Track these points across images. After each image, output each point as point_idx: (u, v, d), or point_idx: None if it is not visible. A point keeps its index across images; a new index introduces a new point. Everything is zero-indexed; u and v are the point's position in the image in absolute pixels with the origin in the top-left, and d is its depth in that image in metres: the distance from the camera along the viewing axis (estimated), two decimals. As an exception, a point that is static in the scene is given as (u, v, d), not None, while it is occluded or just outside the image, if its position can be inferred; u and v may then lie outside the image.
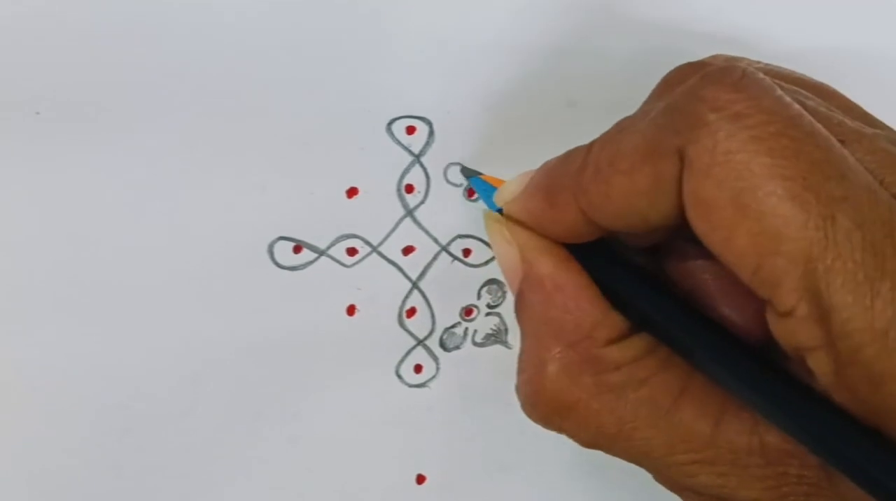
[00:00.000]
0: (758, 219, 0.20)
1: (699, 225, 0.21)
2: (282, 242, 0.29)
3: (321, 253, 0.29)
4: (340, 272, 0.30)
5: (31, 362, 0.28)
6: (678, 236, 0.24)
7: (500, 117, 0.30)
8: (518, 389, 0.25)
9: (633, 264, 0.25)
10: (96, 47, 0.27)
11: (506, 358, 0.31)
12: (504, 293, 0.31)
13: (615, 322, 0.24)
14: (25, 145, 0.27)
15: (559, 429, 0.24)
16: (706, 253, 0.22)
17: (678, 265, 0.25)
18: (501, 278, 0.31)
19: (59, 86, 0.27)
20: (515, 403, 0.30)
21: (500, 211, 0.26)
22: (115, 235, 0.28)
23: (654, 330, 0.24)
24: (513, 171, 0.30)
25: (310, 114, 0.29)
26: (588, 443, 0.24)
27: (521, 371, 0.25)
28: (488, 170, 0.30)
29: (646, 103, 0.25)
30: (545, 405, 0.24)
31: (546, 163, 0.25)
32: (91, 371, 0.28)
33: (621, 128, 0.23)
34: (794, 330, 0.20)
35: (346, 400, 0.30)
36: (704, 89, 0.21)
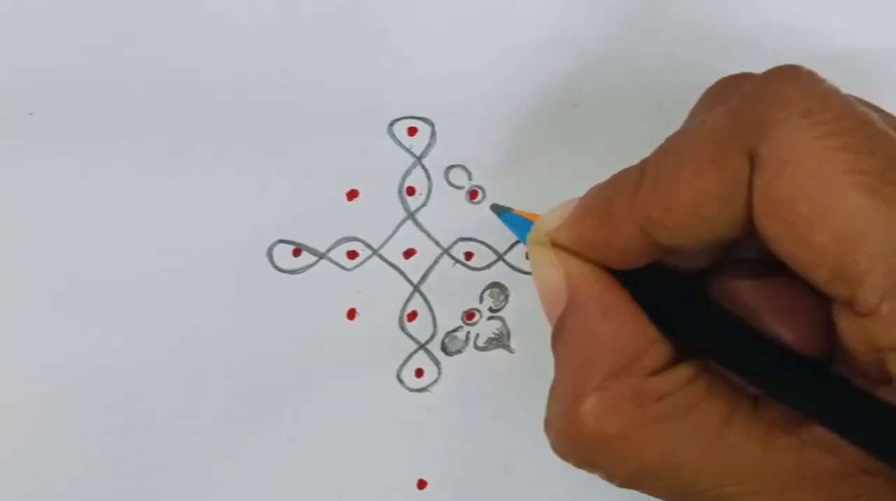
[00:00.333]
0: (837, 216, 0.19)
1: (771, 226, 0.20)
2: (281, 245, 0.29)
3: (321, 256, 0.29)
4: (341, 275, 0.29)
5: (31, 362, 0.28)
6: (724, 259, 0.24)
7: (503, 118, 0.30)
8: (548, 423, 0.23)
9: (683, 289, 0.24)
10: (94, 47, 0.27)
11: (508, 363, 0.31)
12: (506, 297, 0.31)
13: (662, 349, 0.23)
14: (21, 146, 0.27)
15: (595, 466, 0.23)
16: (746, 276, 0.22)
17: (717, 290, 0.24)
18: (503, 281, 0.30)
19: (55, 87, 0.27)
20: (517, 408, 0.30)
21: None
22: (115, 236, 0.28)
23: (710, 355, 0.23)
24: (515, 173, 0.30)
25: (310, 114, 0.28)
26: (627, 480, 0.23)
27: (553, 403, 0.23)
28: (491, 172, 0.30)
29: (693, 116, 0.24)
30: (582, 440, 0.22)
31: (592, 188, 0.24)
32: (91, 371, 0.28)
33: (678, 139, 0.22)
34: (874, 330, 0.20)
35: (346, 405, 0.30)
36: (772, 87, 0.20)
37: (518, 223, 0.26)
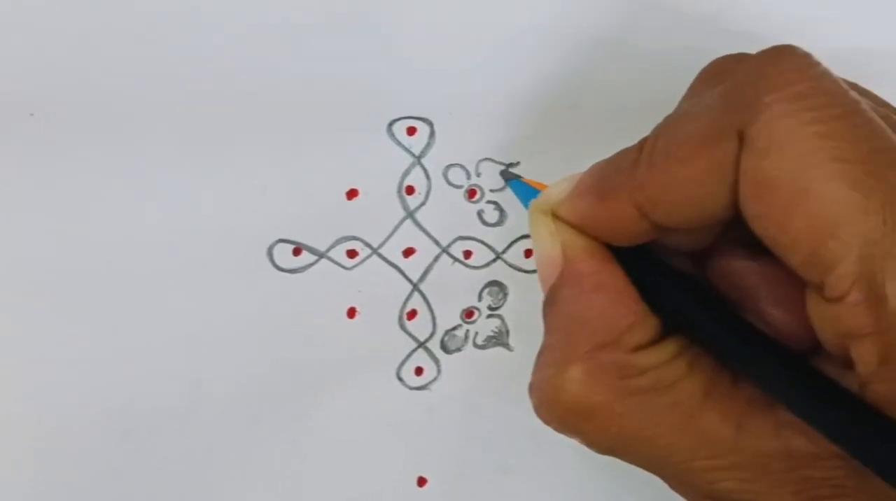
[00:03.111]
0: (816, 202, 0.20)
1: (753, 207, 0.21)
2: (281, 244, 0.29)
3: (321, 255, 0.29)
4: (341, 274, 0.29)
5: (32, 364, 0.28)
6: (721, 240, 0.24)
7: (502, 118, 0.30)
8: (533, 388, 0.24)
9: (675, 268, 0.24)
10: (94, 47, 0.27)
11: (507, 361, 0.31)
12: (505, 295, 0.31)
13: (649, 326, 0.23)
14: (22, 147, 0.27)
15: (575, 432, 0.24)
16: (749, 257, 0.22)
17: (720, 269, 0.24)
18: (502, 280, 0.31)
19: (55, 87, 0.27)
20: (517, 405, 0.30)
21: None
22: (115, 237, 0.28)
23: (693, 334, 0.23)
24: (514, 172, 0.30)
25: (310, 114, 0.28)
26: (605, 448, 0.23)
27: (539, 369, 0.24)
28: (490, 170, 0.30)
29: (689, 97, 0.24)
30: (564, 406, 0.23)
31: (595, 165, 0.24)
32: (91, 373, 0.28)
33: (673, 120, 0.23)
34: (842, 317, 0.20)
35: (346, 403, 0.30)
36: (766, 68, 0.21)
37: (524, 191, 0.27)
